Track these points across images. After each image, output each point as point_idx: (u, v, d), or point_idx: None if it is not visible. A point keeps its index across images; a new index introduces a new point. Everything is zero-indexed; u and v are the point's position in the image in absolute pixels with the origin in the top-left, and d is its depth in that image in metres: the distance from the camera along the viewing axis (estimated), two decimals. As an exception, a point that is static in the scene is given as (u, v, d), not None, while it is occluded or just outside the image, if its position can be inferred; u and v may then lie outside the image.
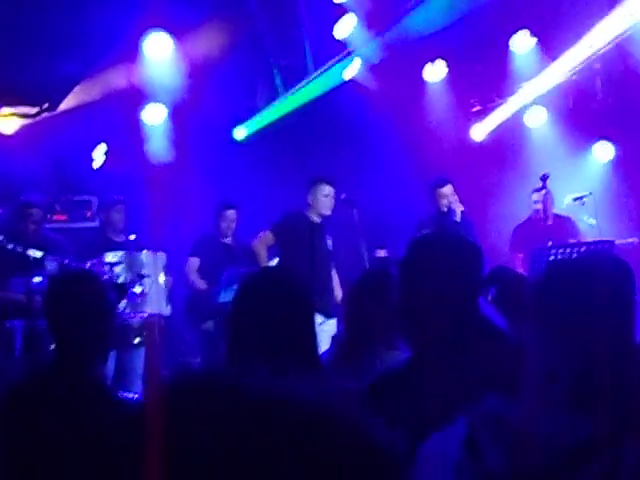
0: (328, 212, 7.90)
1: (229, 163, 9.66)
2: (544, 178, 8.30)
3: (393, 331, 3.81)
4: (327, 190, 7.86)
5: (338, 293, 7.96)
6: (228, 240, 8.59)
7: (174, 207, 9.21)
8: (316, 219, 7.90)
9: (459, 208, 8.06)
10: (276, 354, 2.72)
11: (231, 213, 8.57)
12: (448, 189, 8.20)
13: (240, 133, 9.98)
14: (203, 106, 9.32)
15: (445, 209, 8.13)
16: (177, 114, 9.42)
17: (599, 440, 1.84)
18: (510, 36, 10.01)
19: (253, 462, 0.90)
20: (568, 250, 7.37)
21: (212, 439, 0.92)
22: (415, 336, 2.94)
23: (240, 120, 9.96)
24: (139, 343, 7.45)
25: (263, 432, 0.91)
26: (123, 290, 6.92)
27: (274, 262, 8.06)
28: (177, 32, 9.01)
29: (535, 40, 9.99)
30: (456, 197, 8.17)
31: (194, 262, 8.43)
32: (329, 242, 8.00)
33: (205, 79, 9.22)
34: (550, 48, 9.89)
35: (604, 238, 8.30)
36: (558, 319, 2.03)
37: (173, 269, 8.07)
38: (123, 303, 7.16)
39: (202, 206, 9.04)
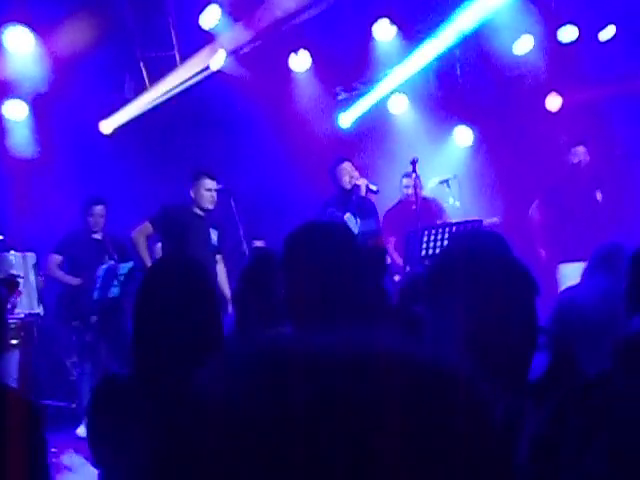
0: (211, 206, 7.84)
1: (98, 157, 9.50)
2: (413, 162, 8.51)
3: (278, 317, 3.93)
4: (209, 184, 7.81)
5: (224, 286, 7.91)
6: (98, 236, 8.46)
7: (41, 205, 9.03)
8: (199, 212, 7.86)
9: (363, 182, 8.11)
10: (188, 350, 2.75)
11: (99, 208, 8.44)
12: (347, 165, 8.21)
13: (107, 126, 9.83)
14: (69, 100, 9.15)
15: (349, 186, 8.16)
16: (41, 109, 9.24)
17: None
18: (371, 25, 10.20)
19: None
20: (440, 231, 7.63)
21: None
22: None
23: (108, 113, 9.80)
24: (14, 344, 7.27)
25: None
26: (14, 285, 6.75)
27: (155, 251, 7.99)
28: (40, 26, 8.83)
29: (395, 28, 10.22)
30: (357, 173, 8.20)
31: (55, 259, 8.25)
32: (213, 235, 7.97)
33: (70, 73, 9.05)
34: (411, 36, 10.16)
35: (470, 218, 8.63)
36: (456, 299, 2.11)
37: (44, 268, 7.92)
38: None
39: (71, 202, 8.87)
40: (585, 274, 5.14)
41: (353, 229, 7.80)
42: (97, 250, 8.31)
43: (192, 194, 7.86)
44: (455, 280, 2.14)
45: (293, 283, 3.01)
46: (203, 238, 7.82)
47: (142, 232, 7.84)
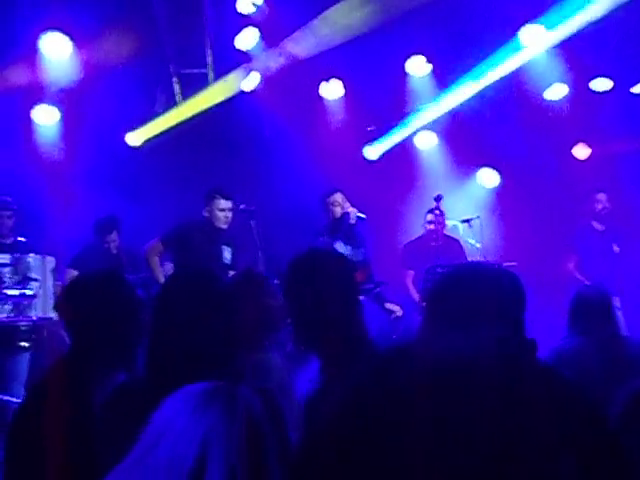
0: (224, 226, 7.77)
1: (124, 168, 9.54)
2: (438, 199, 8.51)
3: (265, 334, 4.00)
4: (223, 204, 7.74)
5: None
6: (114, 250, 8.50)
7: (64, 210, 9.04)
8: (212, 229, 7.82)
9: (353, 211, 8.12)
10: (203, 358, 2.76)
11: (112, 236, 8.48)
12: (338, 196, 8.26)
13: (135, 139, 9.86)
14: (100, 109, 9.21)
15: (339, 215, 8.19)
16: (72, 116, 9.31)
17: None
18: (405, 60, 10.25)
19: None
20: (458, 269, 7.58)
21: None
22: (319, 346, 3.15)
23: (137, 126, 9.84)
24: (25, 347, 7.25)
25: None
26: None
27: (165, 269, 7.94)
28: (77, 35, 8.92)
29: (430, 66, 10.26)
30: (348, 204, 8.25)
31: (70, 274, 8.16)
32: (226, 253, 7.93)
33: (103, 83, 9.12)
34: (444, 74, 10.20)
35: (489, 260, 8.61)
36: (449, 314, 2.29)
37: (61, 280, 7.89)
38: (8, 307, 7.00)
39: (94, 210, 8.90)
40: (578, 323, 5.06)
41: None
42: (113, 264, 8.29)
43: (206, 213, 7.81)
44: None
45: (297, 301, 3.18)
46: (215, 255, 7.77)
47: (154, 250, 7.78)
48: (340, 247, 7.89)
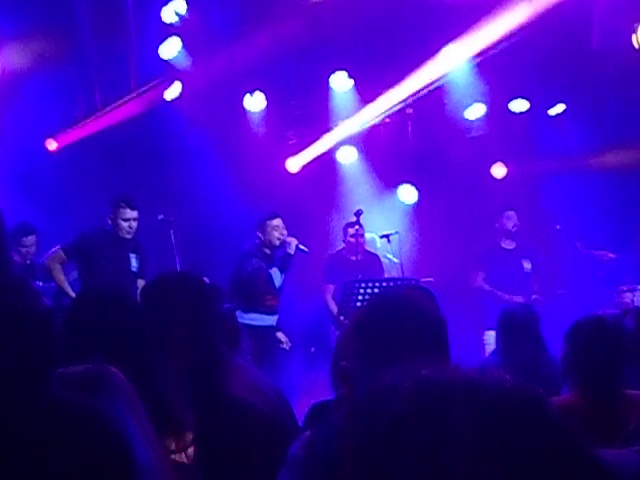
0: (128, 236, 7.60)
1: (40, 174, 9.34)
2: (358, 214, 8.56)
3: None
4: (128, 214, 7.56)
5: None
6: (29, 261, 8.28)
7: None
8: (117, 238, 7.63)
9: (293, 241, 8.03)
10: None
11: (30, 239, 8.25)
12: (279, 221, 8.13)
13: (53, 145, 9.68)
14: (18, 114, 9.02)
15: (276, 241, 8.07)
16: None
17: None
18: (329, 76, 10.31)
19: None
20: (377, 284, 7.65)
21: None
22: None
23: (57, 131, 9.66)
24: None
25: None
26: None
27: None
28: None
29: (352, 81, 10.34)
30: (285, 231, 8.13)
31: None
32: (134, 261, 7.76)
33: (23, 87, 8.94)
34: (367, 90, 10.29)
35: (406, 276, 8.70)
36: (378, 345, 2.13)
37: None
38: None
39: (8, 218, 8.66)
40: (501, 340, 5.10)
41: (277, 283, 7.83)
42: (26, 273, 8.09)
43: (109, 221, 7.64)
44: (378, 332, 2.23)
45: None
46: (122, 264, 7.63)
47: (55, 259, 7.59)
48: (275, 274, 7.86)
